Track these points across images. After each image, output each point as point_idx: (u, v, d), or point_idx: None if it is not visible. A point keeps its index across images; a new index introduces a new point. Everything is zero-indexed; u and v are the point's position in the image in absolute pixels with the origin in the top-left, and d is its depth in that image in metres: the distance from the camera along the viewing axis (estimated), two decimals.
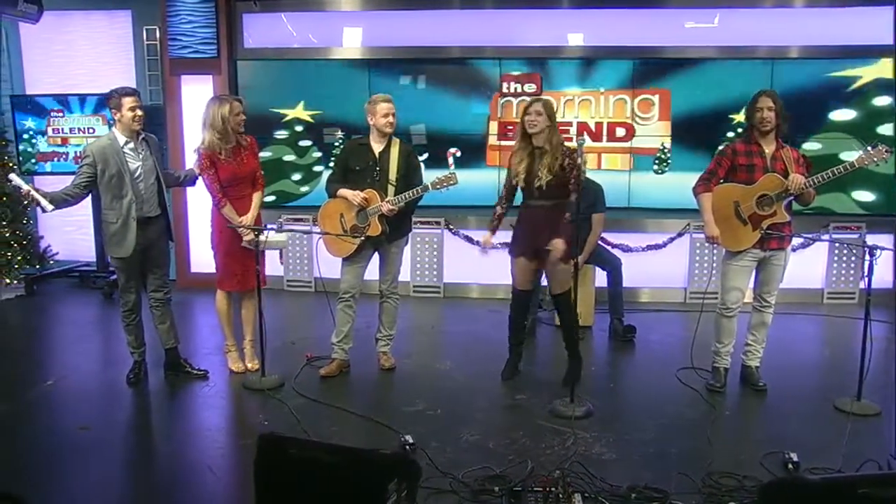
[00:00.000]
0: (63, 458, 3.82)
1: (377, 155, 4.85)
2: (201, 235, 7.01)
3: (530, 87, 7.18)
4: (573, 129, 7.15)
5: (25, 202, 4.49)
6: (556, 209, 4.51)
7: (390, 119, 4.79)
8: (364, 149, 4.87)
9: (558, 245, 4.43)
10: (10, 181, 4.52)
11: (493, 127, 7.30)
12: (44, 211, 4.48)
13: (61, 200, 4.50)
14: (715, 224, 4.57)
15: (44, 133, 7.41)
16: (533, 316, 5.84)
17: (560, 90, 7.21)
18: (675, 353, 5.39)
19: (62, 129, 7.40)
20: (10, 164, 7.30)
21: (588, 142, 7.15)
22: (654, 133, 7.17)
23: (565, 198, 4.50)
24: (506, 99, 7.23)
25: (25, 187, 4.42)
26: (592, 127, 7.23)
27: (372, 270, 5.07)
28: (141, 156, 4.62)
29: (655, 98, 7.13)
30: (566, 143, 4.60)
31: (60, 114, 7.36)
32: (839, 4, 6.82)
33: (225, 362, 5.12)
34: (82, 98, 7.32)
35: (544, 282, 5.14)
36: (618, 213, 6.93)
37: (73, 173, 7.05)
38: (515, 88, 7.21)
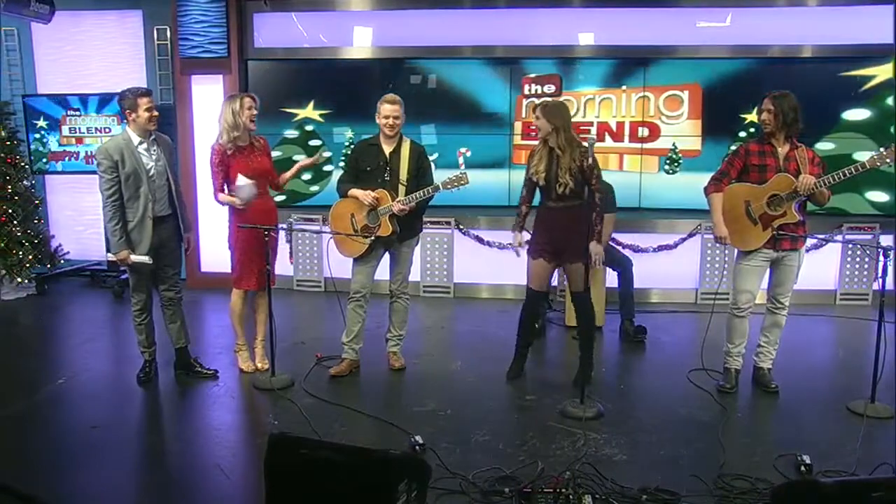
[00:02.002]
0: (74, 455, 3.84)
1: (388, 155, 4.84)
2: (212, 235, 7.03)
3: (549, 88, 7.17)
4: (594, 130, 7.13)
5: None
6: (577, 210, 4.55)
7: (390, 121, 4.77)
8: (374, 149, 4.87)
9: (597, 250, 4.59)
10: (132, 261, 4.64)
11: (518, 127, 7.30)
12: (148, 264, 4.66)
13: (127, 231, 4.62)
14: (725, 224, 4.55)
15: (56, 132, 7.44)
16: (543, 317, 5.81)
17: (578, 90, 7.20)
18: (686, 355, 5.37)
19: (79, 129, 7.44)
20: (23, 164, 7.34)
21: (609, 142, 7.15)
22: (685, 133, 7.12)
23: (584, 199, 4.55)
24: (529, 100, 7.21)
25: (132, 259, 4.61)
26: (614, 127, 7.20)
27: (382, 270, 5.07)
28: (153, 156, 4.64)
29: (685, 94, 7.09)
30: (583, 143, 4.59)
31: (77, 113, 7.39)
32: (852, 3, 6.77)
33: (235, 361, 5.13)
34: (97, 98, 7.35)
35: (554, 282, 5.11)
36: (629, 213, 6.91)
37: (84, 172, 7.24)
38: (536, 90, 7.19)
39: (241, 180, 4.74)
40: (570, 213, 4.55)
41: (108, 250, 7.34)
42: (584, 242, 4.56)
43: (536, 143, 4.72)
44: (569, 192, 4.51)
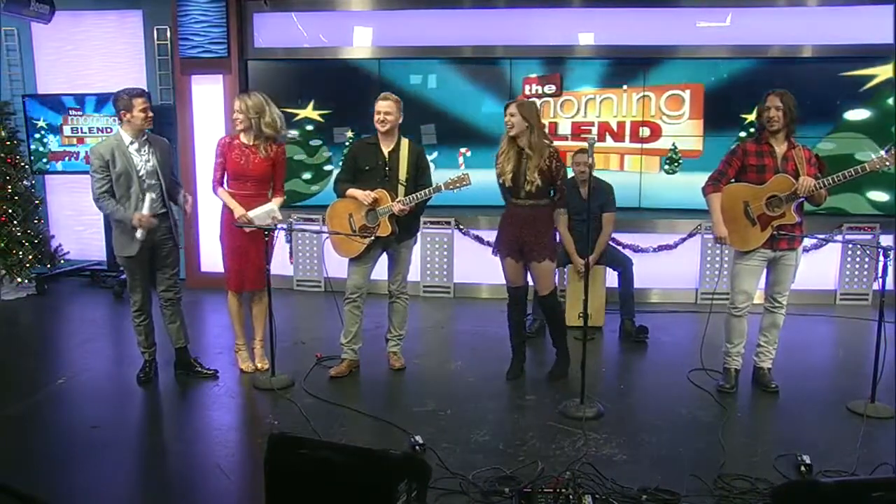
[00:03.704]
0: (74, 455, 3.84)
1: (386, 155, 4.84)
2: (211, 235, 7.03)
3: (550, 89, 7.17)
4: (595, 129, 7.13)
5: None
6: (543, 209, 4.66)
7: (381, 117, 4.78)
8: (373, 148, 4.86)
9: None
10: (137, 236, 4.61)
11: None
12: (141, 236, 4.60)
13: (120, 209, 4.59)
14: (724, 224, 4.55)
15: (56, 132, 7.44)
16: (540, 318, 5.81)
17: (578, 89, 7.21)
18: (686, 355, 5.36)
19: (80, 129, 7.44)
20: (23, 164, 7.35)
21: (609, 142, 7.14)
22: (686, 133, 7.13)
23: (550, 197, 4.65)
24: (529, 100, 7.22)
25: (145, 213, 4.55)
26: (614, 126, 7.21)
27: (380, 271, 5.07)
28: (144, 156, 4.64)
29: (686, 94, 7.09)
30: (553, 143, 4.69)
31: (79, 112, 7.39)
32: (852, 3, 6.76)
33: (234, 361, 5.13)
34: (97, 98, 7.35)
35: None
36: (629, 213, 6.91)
37: (84, 172, 7.21)
38: (537, 90, 7.19)
39: (259, 210, 4.83)
40: (536, 211, 4.64)
41: (108, 250, 7.40)
42: (548, 241, 4.69)
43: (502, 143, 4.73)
44: (535, 191, 4.58)
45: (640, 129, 7.17)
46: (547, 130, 4.78)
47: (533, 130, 4.56)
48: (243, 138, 4.83)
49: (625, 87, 7.14)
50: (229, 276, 4.98)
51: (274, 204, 4.90)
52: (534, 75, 7.22)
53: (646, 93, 7.11)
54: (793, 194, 4.39)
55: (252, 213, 4.80)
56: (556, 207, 4.73)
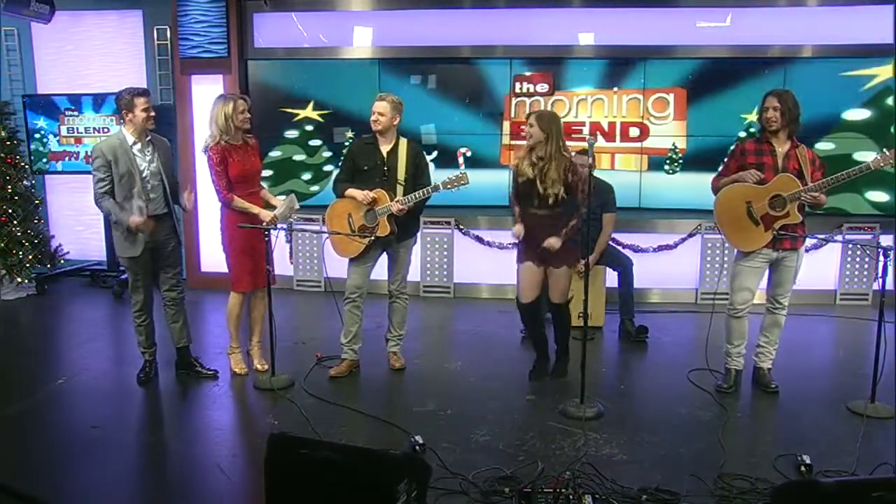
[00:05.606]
0: (74, 455, 3.84)
1: (385, 154, 4.84)
2: (212, 235, 7.03)
3: (543, 88, 7.17)
4: (586, 129, 7.14)
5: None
6: (559, 217, 4.56)
7: (374, 117, 4.78)
8: (371, 148, 4.86)
9: (552, 243, 4.49)
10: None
11: (507, 127, 7.30)
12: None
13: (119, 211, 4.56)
14: (725, 224, 4.55)
15: (56, 132, 7.44)
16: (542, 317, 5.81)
17: (572, 90, 7.20)
18: (686, 355, 5.37)
19: (76, 129, 7.43)
20: (23, 164, 7.35)
21: (601, 142, 7.14)
22: (670, 133, 7.15)
23: (567, 205, 4.53)
24: (519, 99, 7.22)
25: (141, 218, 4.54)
26: (605, 127, 7.21)
27: (380, 271, 5.06)
28: (147, 157, 4.64)
29: (670, 97, 7.10)
30: (570, 151, 4.62)
31: (75, 113, 7.39)
32: (852, 3, 6.75)
33: None
34: (94, 98, 7.35)
35: None
36: (629, 213, 6.90)
37: (84, 172, 7.23)
38: (528, 88, 7.19)
39: (281, 208, 4.83)
40: (552, 219, 4.55)
41: (108, 250, 7.40)
42: (569, 248, 4.62)
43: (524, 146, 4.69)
44: (552, 202, 4.50)
45: (631, 128, 7.19)
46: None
47: (550, 141, 4.48)
48: (231, 141, 4.79)
49: (615, 89, 7.16)
50: (239, 277, 4.92)
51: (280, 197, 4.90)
52: (527, 73, 7.22)
53: (641, 95, 7.11)
54: (796, 194, 4.37)
55: (277, 212, 4.80)
56: (572, 215, 4.55)
